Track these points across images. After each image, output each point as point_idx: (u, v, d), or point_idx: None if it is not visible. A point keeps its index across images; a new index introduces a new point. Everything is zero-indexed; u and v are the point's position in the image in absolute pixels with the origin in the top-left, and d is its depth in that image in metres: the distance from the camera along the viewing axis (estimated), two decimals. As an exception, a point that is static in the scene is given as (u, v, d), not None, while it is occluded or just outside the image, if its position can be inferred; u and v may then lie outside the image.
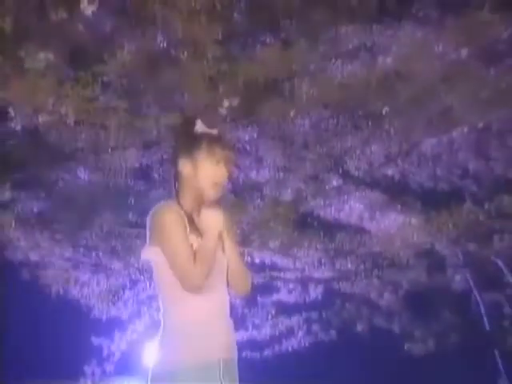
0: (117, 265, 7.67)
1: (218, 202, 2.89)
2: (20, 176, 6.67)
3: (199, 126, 2.89)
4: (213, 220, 2.80)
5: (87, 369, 8.16)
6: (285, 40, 5.43)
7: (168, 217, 2.79)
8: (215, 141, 2.88)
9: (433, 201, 6.91)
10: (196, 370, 2.73)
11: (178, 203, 2.85)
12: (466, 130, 6.12)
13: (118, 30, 5.14)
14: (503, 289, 7.80)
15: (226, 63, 5.30)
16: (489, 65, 5.54)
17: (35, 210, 7.05)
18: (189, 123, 2.92)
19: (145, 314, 7.99)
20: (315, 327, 8.42)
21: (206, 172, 2.86)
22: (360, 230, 7.24)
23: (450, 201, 6.79)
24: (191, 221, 2.82)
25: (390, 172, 6.87)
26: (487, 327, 7.90)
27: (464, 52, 5.35)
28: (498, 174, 6.73)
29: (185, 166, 2.87)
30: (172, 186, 2.93)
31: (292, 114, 5.85)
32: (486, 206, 6.50)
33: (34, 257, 7.51)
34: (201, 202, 2.85)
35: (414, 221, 6.85)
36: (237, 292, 3.02)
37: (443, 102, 5.71)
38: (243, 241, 6.42)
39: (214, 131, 2.90)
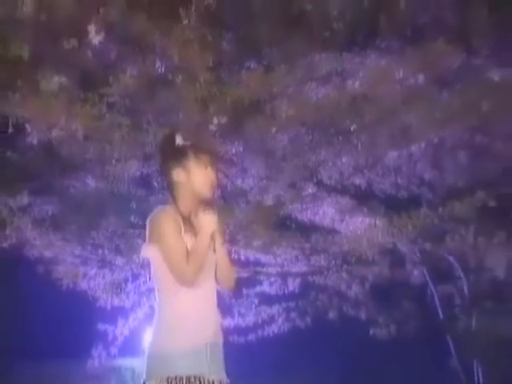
0: (120, 261, 7.61)
1: (213, 206, 2.87)
2: (36, 184, 6.61)
3: (179, 140, 2.88)
4: (207, 222, 2.78)
5: (94, 351, 8.10)
6: (267, 66, 5.42)
7: (164, 220, 2.77)
8: (200, 149, 2.88)
9: (394, 206, 6.90)
10: (186, 353, 2.71)
11: (176, 208, 2.83)
12: (422, 145, 6.11)
13: (122, 57, 5.12)
14: (454, 282, 7.79)
15: (215, 86, 5.28)
16: (442, 89, 5.55)
17: (49, 213, 6.99)
18: (170, 139, 2.90)
19: (144, 304, 7.93)
20: (293, 315, 8.38)
21: (198, 176, 2.84)
22: (332, 231, 7.22)
23: (409, 206, 6.78)
24: (187, 222, 2.80)
25: (357, 181, 6.86)
26: (440, 315, 7.89)
27: (421, 78, 5.35)
28: (450, 183, 6.73)
29: (179, 175, 2.85)
30: (169, 194, 2.91)
31: (273, 130, 5.83)
32: (440, 210, 6.49)
33: (47, 254, 7.44)
34: (197, 204, 2.83)
35: (378, 223, 6.84)
36: (222, 287, 2.99)
37: (403, 121, 5.71)
38: (231, 240, 6.39)
39: (188, 142, 2.89)
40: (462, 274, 7.59)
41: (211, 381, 2.73)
